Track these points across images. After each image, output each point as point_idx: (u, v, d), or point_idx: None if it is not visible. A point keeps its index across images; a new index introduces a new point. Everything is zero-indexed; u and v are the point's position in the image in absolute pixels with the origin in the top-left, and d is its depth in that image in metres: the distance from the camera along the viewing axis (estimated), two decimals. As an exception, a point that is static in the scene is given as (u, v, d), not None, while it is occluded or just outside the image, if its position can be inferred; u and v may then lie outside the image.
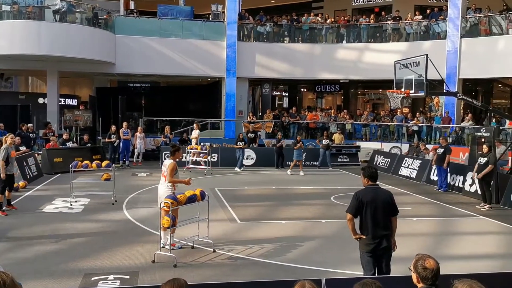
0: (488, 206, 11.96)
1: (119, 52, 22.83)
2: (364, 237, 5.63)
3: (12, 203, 11.17)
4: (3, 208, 10.58)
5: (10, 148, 10.59)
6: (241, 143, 18.93)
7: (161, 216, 7.49)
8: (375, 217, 5.54)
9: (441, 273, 3.64)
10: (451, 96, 19.83)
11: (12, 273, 2.71)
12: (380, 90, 29.20)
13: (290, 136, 22.91)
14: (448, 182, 14.79)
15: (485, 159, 12.21)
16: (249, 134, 20.90)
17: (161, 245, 7.61)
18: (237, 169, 18.70)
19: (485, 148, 12.44)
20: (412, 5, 27.56)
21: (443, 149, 14.61)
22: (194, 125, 20.33)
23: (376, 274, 5.50)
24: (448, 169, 14.65)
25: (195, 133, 19.74)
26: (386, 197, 5.66)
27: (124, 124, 19.51)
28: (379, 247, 5.52)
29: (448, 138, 20.94)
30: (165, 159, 19.16)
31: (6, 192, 10.73)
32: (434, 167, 15.61)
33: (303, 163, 18.51)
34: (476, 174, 12.53)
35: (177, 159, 8.44)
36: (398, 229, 9.93)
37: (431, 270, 3.57)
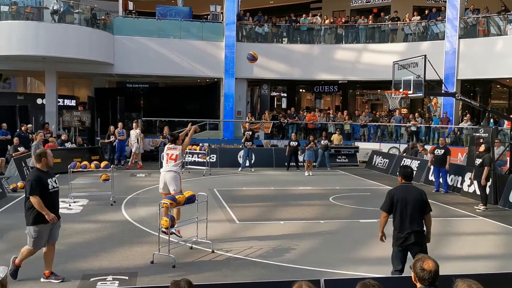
0: (483, 207, 11.94)
1: (118, 52, 22.83)
2: (385, 240, 6.08)
3: (11, 203, 11.18)
4: None
5: (39, 144, 12.10)
6: (248, 143, 18.97)
7: (160, 216, 7.51)
8: (405, 214, 5.82)
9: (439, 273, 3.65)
10: (450, 97, 19.87)
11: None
12: (379, 90, 29.25)
13: (288, 137, 22.90)
14: (448, 183, 14.81)
15: (480, 160, 12.20)
16: (246, 132, 20.91)
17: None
18: (252, 169, 18.89)
19: (481, 148, 12.43)
20: (411, 6, 27.61)
21: (443, 150, 14.58)
22: (133, 124, 19.35)
23: (404, 269, 5.76)
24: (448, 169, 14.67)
25: (135, 133, 18.79)
26: (417, 195, 5.92)
27: (120, 124, 19.49)
28: (407, 242, 5.78)
29: (446, 138, 21.03)
30: (163, 159, 19.38)
31: None
32: (430, 167, 15.59)
33: (313, 164, 18.69)
34: (473, 176, 12.56)
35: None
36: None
37: (429, 272, 3.59)
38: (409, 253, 5.85)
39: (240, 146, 19.86)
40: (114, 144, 18.95)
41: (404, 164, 7.78)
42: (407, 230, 5.78)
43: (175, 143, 8.68)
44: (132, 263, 7.35)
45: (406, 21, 23.97)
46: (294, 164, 19.35)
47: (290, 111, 25.36)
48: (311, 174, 17.96)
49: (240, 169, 18.90)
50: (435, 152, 14.78)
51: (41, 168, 6.53)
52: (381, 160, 19.92)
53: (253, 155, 19.23)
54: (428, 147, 18.74)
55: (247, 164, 18.98)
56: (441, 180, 14.69)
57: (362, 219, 10.65)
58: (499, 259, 7.97)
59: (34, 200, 6.27)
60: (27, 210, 6.41)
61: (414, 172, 17.07)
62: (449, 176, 14.87)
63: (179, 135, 8.94)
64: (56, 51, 20.38)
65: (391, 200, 5.90)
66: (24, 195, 6.53)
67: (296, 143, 19.22)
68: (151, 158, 20.60)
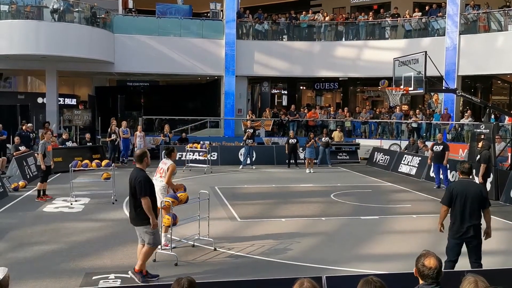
0: None
1: (118, 51, 22.81)
2: (443, 230, 6.42)
3: (12, 203, 11.20)
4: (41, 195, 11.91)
5: (47, 143, 11.99)
6: (250, 141, 18.98)
7: (162, 214, 7.52)
8: (464, 208, 6.07)
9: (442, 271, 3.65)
10: (450, 93, 19.83)
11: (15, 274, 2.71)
12: (379, 87, 29.13)
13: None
14: (448, 178, 14.80)
15: (478, 156, 12.21)
16: (247, 130, 20.91)
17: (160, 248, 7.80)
18: (240, 166, 18.87)
19: (480, 144, 12.42)
20: (411, 2, 27.50)
21: (441, 146, 14.58)
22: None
23: (458, 260, 6.11)
24: (448, 165, 14.66)
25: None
26: (476, 190, 6.21)
27: (123, 123, 19.58)
28: (466, 236, 6.07)
29: (448, 135, 21.03)
30: (164, 157, 19.45)
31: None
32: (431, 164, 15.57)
33: (314, 161, 18.64)
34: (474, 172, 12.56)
35: (174, 159, 8.45)
36: (398, 226, 9.98)
37: (429, 268, 3.59)
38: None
39: (241, 144, 19.85)
40: (116, 143, 18.97)
41: (465, 160, 8.20)
42: (467, 223, 6.04)
43: (169, 157, 8.29)
44: (134, 261, 7.33)
45: (406, 17, 23.93)
46: (293, 161, 19.31)
47: (290, 108, 25.34)
48: (312, 171, 17.95)
49: (241, 166, 18.89)
50: (434, 148, 14.79)
51: (143, 168, 6.57)
52: (382, 157, 19.91)
53: (254, 153, 19.23)
54: (429, 144, 18.74)
55: (248, 161, 18.99)
56: (442, 176, 14.69)
57: (364, 216, 10.65)
58: (500, 255, 7.98)
59: (145, 201, 6.31)
60: (140, 209, 6.39)
61: (416, 169, 17.11)
62: (450, 172, 14.87)
63: (174, 149, 8.55)
64: (56, 50, 20.37)
65: (451, 194, 6.15)
66: (132, 195, 6.43)
67: (295, 140, 19.17)
68: (152, 156, 20.49)
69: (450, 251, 6.19)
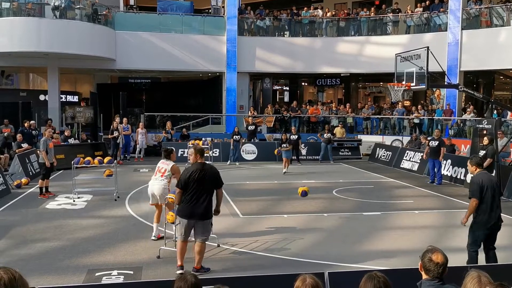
0: None
1: (119, 48, 22.82)
2: (464, 225, 6.56)
3: (15, 200, 11.23)
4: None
5: (48, 139, 12.03)
6: (237, 137, 18.98)
7: (165, 211, 7.53)
8: (493, 198, 6.34)
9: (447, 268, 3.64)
10: (452, 89, 19.79)
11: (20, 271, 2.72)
12: (381, 83, 29.15)
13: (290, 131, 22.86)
14: (442, 174, 14.82)
15: (484, 152, 12.19)
16: (249, 127, 20.89)
17: (153, 237, 8.17)
18: (236, 163, 18.91)
19: (485, 141, 12.42)
20: (413, -3, 27.44)
21: (437, 142, 14.65)
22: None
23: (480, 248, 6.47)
24: (443, 161, 14.74)
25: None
26: (497, 181, 6.56)
27: (124, 120, 19.61)
28: (497, 224, 6.44)
29: (450, 130, 20.99)
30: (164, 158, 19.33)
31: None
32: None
33: (289, 160, 17.34)
34: None
35: (174, 160, 8.46)
36: (400, 222, 9.98)
37: (435, 264, 3.58)
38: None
39: (230, 140, 19.54)
40: (118, 141, 18.97)
41: (475, 154, 8.75)
42: (497, 214, 6.40)
43: (169, 158, 8.25)
44: (136, 257, 7.38)
45: (408, 12, 23.85)
46: (295, 157, 19.23)
47: (292, 104, 25.33)
48: (287, 171, 16.67)
49: (237, 163, 18.90)
50: (430, 144, 14.85)
51: (205, 162, 6.90)
52: (384, 153, 19.91)
53: (239, 149, 19.29)
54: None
55: (236, 156, 19.08)
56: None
57: (366, 212, 10.65)
58: (503, 251, 7.94)
59: (222, 191, 6.83)
60: (211, 202, 6.63)
61: (418, 165, 17.11)
62: (452, 168, 14.87)
63: (173, 151, 8.51)
64: (58, 47, 20.40)
65: (480, 186, 6.26)
66: (208, 189, 6.57)
67: (296, 136, 19.09)
68: (154, 153, 20.61)
69: (473, 241, 6.47)
